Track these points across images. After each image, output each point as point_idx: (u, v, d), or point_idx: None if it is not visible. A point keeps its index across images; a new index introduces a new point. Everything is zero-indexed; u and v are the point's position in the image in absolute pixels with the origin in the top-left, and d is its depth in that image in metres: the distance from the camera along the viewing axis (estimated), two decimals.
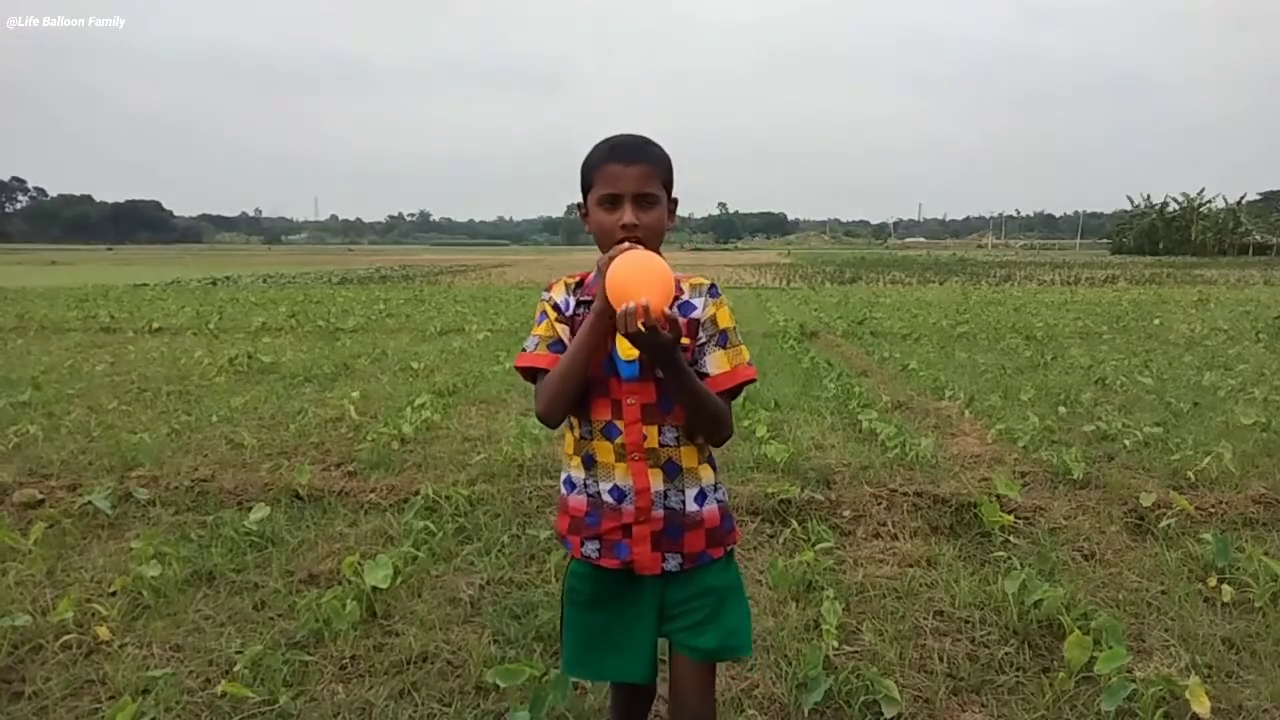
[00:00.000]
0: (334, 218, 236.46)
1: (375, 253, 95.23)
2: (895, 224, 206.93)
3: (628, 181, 1.52)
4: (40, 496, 4.06)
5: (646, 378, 1.56)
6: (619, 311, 1.39)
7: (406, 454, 4.89)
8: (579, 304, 1.62)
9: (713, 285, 1.64)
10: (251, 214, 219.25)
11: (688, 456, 1.61)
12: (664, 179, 1.58)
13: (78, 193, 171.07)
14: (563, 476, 1.68)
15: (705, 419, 1.56)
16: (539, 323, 1.64)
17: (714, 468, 1.67)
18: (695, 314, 1.59)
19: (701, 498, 1.62)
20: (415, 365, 8.32)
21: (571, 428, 1.64)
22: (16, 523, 3.69)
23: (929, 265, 43.55)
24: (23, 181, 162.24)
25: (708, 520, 1.63)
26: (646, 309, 1.37)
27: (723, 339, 1.60)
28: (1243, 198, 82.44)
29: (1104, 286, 25.79)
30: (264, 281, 28.29)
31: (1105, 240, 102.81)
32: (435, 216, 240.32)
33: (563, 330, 1.61)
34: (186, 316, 14.12)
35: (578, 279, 1.66)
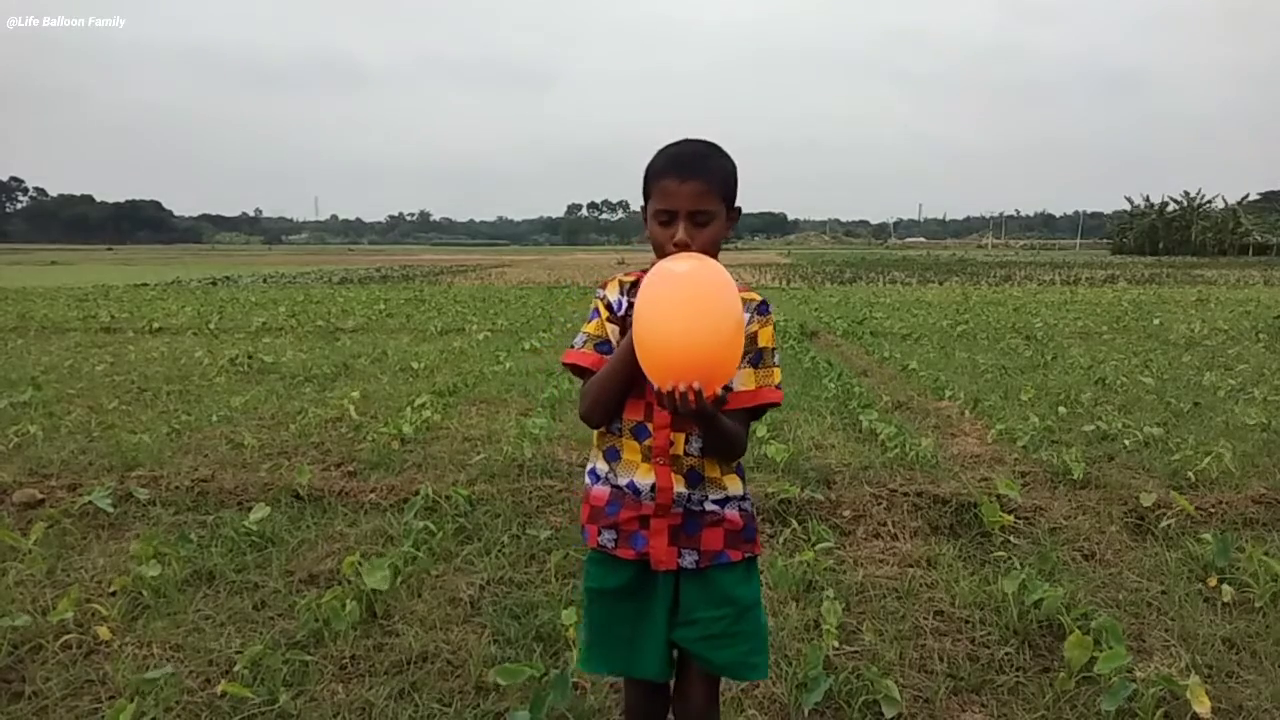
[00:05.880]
0: (334, 218, 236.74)
1: (375, 253, 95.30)
2: (895, 224, 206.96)
3: (681, 199, 1.50)
4: (40, 496, 4.06)
5: None
6: (663, 390, 1.33)
7: (406, 454, 4.89)
8: (631, 304, 1.60)
9: (763, 303, 1.61)
10: (251, 214, 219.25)
11: (711, 467, 1.59)
12: (722, 192, 1.55)
13: (78, 193, 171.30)
14: (588, 467, 1.69)
15: (721, 446, 1.56)
16: (590, 319, 1.63)
17: (741, 478, 1.65)
18: None
19: (724, 503, 1.61)
20: (415, 365, 8.32)
21: None
22: (16, 523, 3.69)
23: (929, 265, 43.56)
24: (22, 181, 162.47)
25: (729, 521, 1.62)
26: (699, 394, 1.31)
27: (757, 358, 1.58)
28: (1244, 198, 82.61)
29: (1104, 286, 25.79)
30: (264, 281, 28.30)
31: (1105, 240, 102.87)
32: (435, 216, 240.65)
33: (612, 330, 1.61)
34: (187, 316, 14.11)
35: (633, 279, 1.64)
